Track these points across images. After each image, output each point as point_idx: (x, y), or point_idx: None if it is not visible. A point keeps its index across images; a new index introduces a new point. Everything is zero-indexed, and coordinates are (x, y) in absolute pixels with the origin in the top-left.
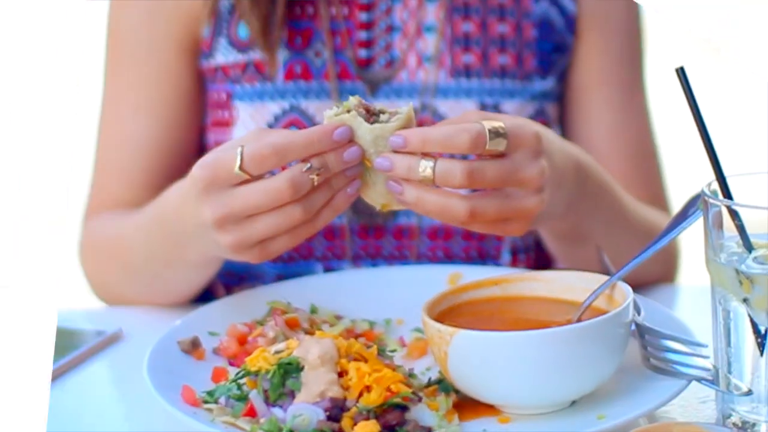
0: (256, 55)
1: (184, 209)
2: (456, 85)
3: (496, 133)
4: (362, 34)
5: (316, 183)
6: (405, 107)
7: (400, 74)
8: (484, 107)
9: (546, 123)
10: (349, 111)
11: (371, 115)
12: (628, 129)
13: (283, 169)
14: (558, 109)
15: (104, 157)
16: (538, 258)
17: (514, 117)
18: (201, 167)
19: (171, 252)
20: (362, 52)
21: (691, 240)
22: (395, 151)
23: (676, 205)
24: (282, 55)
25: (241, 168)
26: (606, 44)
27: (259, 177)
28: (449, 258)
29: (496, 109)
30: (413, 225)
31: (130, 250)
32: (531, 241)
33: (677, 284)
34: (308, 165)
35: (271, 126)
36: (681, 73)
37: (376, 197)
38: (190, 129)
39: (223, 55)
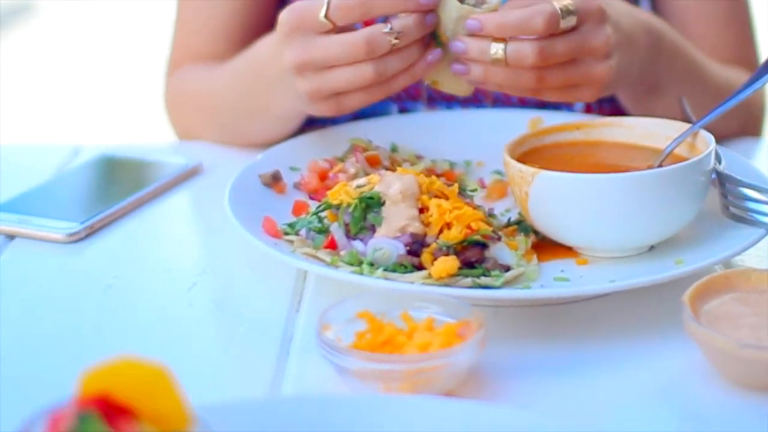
0: None
1: (271, 54)
2: None
3: (567, 12)
4: None
5: (393, 46)
6: (495, 1)
7: None
8: None
9: None
10: None
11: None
12: None
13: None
14: None
15: (185, 12)
16: None
17: None
18: (289, 11)
19: (256, 101)
20: None
21: None
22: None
23: None
24: None
25: (326, 16)
26: None
27: (344, 29)
28: (523, 105)
29: None
30: None
31: (217, 100)
32: None
33: (759, 138)
34: (389, 26)
35: None
36: None
37: (449, 85)
38: None
39: None
